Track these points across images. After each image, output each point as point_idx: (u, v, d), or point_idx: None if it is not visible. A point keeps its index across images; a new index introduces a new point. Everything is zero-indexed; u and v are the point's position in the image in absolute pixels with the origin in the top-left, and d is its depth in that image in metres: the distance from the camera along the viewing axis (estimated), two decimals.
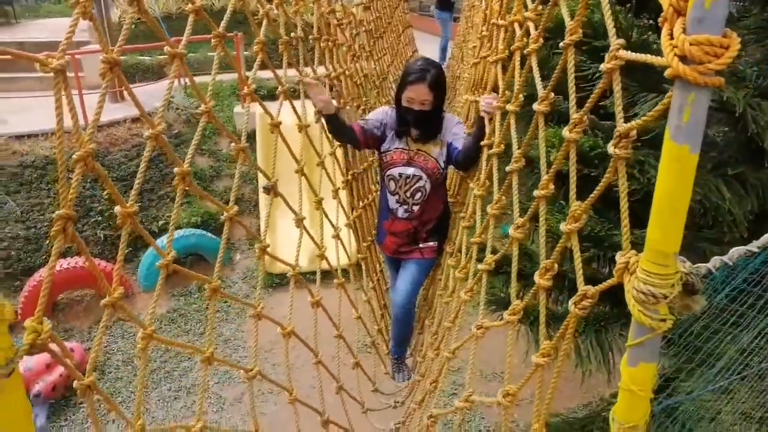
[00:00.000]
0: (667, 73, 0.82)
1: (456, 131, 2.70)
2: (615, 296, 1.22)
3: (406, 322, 3.17)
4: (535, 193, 1.57)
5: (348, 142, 2.95)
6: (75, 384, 1.11)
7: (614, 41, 1.09)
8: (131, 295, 6.11)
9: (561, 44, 1.39)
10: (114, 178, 6.49)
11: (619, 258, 1.03)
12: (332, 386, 2.85)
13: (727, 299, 1.68)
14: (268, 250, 2.19)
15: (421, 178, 2.78)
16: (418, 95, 2.56)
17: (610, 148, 1.09)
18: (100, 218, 6.42)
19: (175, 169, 1.51)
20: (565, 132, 1.33)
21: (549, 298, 2.85)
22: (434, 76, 2.57)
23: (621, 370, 0.93)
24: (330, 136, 2.77)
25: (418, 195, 2.82)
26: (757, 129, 2.30)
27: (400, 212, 2.87)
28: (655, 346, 0.91)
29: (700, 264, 0.89)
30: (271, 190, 2.21)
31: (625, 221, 1.11)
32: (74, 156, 1.00)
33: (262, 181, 6.10)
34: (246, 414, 4.73)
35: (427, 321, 3.30)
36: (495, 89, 2.35)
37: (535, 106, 1.63)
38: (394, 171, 2.80)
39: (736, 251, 1.10)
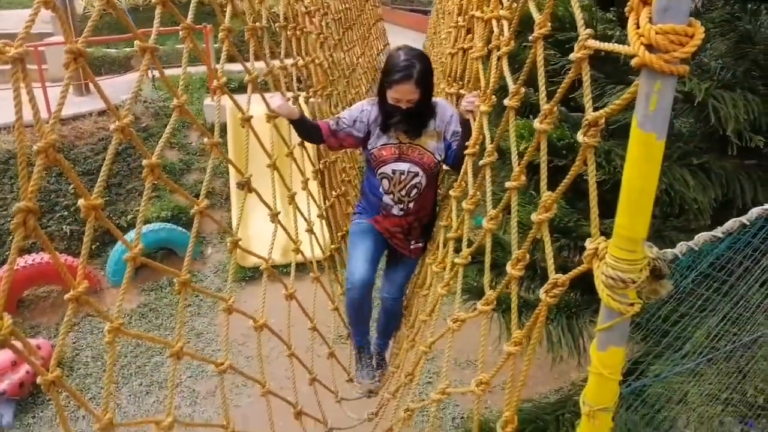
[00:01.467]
0: (633, 62, 0.83)
1: (456, 129, 2.52)
2: (585, 283, 1.24)
3: (395, 312, 3.06)
4: (507, 184, 1.59)
5: (318, 144, 2.80)
6: (39, 380, 1.08)
7: (583, 31, 1.10)
8: (99, 291, 5.99)
9: (530, 38, 1.41)
10: (80, 172, 6.33)
11: (589, 245, 1.05)
12: (306, 378, 2.85)
13: (694, 284, 1.73)
14: (241, 243, 2.17)
15: (417, 174, 2.57)
16: (405, 94, 2.37)
17: (580, 136, 1.10)
18: (65, 213, 6.26)
19: (144, 162, 1.48)
20: (536, 123, 1.34)
21: (521, 287, 2.90)
22: (421, 72, 2.35)
23: (591, 354, 0.95)
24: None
25: (414, 192, 2.62)
26: (719, 119, 2.35)
27: (395, 210, 2.68)
28: (624, 331, 0.93)
29: (666, 249, 0.91)
30: (246, 185, 2.16)
31: (594, 208, 1.12)
32: (35, 147, 0.97)
33: (233, 175, 6.02)
34: (219, 407, 4.69)
35: (405, 313, 3.29)
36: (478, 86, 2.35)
37: (507, 102, 1.65)
38: (386, 168, 2.58)
39: (701, 236, 1.13)
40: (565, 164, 2.40)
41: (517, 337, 1.44)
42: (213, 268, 6.63)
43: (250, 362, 5.08)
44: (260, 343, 2.34)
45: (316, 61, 3.34)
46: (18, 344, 0.99)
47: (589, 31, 1.08)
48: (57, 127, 0.95)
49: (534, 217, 1.37)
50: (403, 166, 2.56)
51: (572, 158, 2.13)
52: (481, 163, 1.83)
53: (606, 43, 1.00)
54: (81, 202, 1.21)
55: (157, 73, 1.67)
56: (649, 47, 0.80)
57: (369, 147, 2.60)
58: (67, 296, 1.18)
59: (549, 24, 1.36)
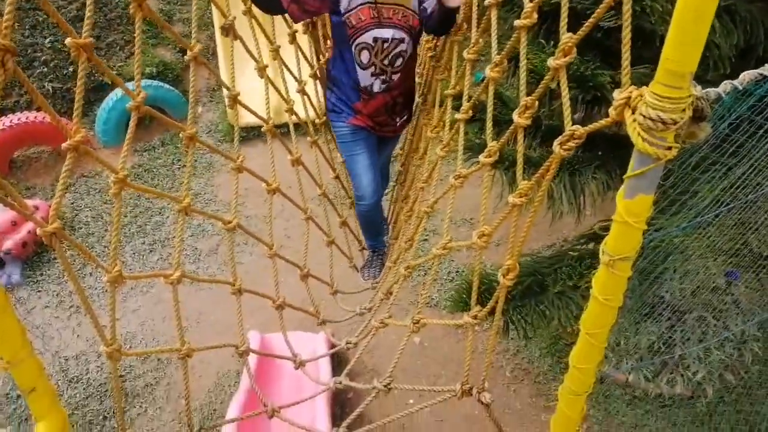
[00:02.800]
0: None
1: None
2: (588, 140, 1.18)
3: (379, 209, 2.89)
4: (516, 22, 1.45)
5: (277, 13, 2.28)
6: (39, 231, 1.07)
7: None
8: (92, 149, 5.89)
9: None
10: (54, 25, 5.94)
11: (618, 94, 0.96)
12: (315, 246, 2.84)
13: (730, 128, 1.66)
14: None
15: (402, 41, 2.28)
16: None
17: None
18: (45, 69, 5.96)
19: None
20: None
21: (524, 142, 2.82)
22: None
23: (617, 202, 0.90)
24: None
25: (399, 61, 2.34)
26: None
27: (376, 86, 2.39)
28: (655, 177, 0.87)
29: (709, 89, 0.83)
30: (229, 30, 2.00)
31: (626, 53, 1.02)
32: None
33: (218, 20, 5.63)
34: (222, 264, 4.84)
35: (401, 193, 3.20)
36: None
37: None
38: (367, 36, 2.24)
39: (747, 75, 1.04)
40: (583, 7, 2.20)
41: (523, 188, 1.40)
42: (205, 128, 6.49)
43: (249, 221, 5.15)
44: (272, 206, 2.32)
45: None
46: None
47: None
48: None
49: (551, 62, 1.27)
50: (386, 33, 2.23)
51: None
52: (486, 1, 1.67)
53: None
54: (69, 41, 1.10)
55: None
56: None
57: (342, 11, 2.20)
58: (64, 145, 1.13)
59: None
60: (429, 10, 2.27)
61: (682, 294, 3.15)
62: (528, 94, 1.46)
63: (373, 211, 2.70)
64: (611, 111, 0.97)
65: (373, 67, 2.33)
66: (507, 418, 3.77)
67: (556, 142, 1.21)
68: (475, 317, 1.62)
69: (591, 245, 2.60)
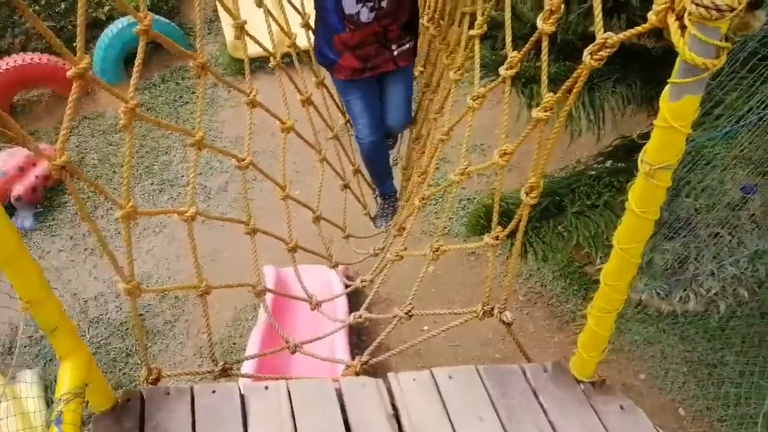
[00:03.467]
0: None
1: None
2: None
3: (386, 153, 2.81)
4: None
5: None
6: (48, 166, 1.03)
7: None
8: (92, 92, 5.77)
9: None
10: None
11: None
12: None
13: None
14: (234, 34, 1.95)
15: None
16: None
17: None
18: (37, 7, 5.75)
19: None
20: None
21: (533, 60, 2.70)
22: None
23: (660, 105, 0.84)
24: None
25: None
26: None
27: (364, 15, 2.13)
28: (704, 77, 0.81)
29: None
30: None
31: None
32: None
33: None
34: (233, 201, 4.81)
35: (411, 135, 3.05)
36: None
37: None
38: None
39: None
40: None
41: (549, 102, 1.33)
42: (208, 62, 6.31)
43: (258, 157, 5.05)
44: (285, 147, 2.25)
45: None
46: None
47: None
48: None
49: None
50: None
51: None
52: None
53: None
54: None
55: None
56: None
57: None
58: (69, 73, 1.08)
59: None
60: None
61: (698, 210, 3.11)
62: None
63: (373, 150, 2.59)
64: (651, 16, 0.89)
65: None
66: (521, 340, 3.80)
67: (586, 52, 1.13)
68: (496, 238, 1.59)
69: (608, 163, 2.53)
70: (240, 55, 5.81)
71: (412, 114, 2.66)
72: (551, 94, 1.30)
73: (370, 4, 2.09)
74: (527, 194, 1.42)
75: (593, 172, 2.45)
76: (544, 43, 1.32)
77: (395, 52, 2.32)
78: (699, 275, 3.50)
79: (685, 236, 3.27)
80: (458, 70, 2.02)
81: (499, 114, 1.56)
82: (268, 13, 2.12)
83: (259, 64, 4.99)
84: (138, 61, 1.34)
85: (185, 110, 5.70)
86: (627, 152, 2.53)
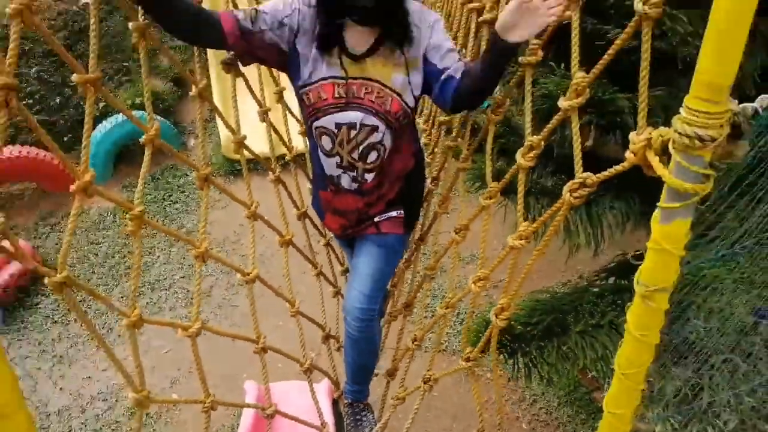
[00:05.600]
0: None
1: (436, 41, 1.65)
2: (604, 167, 1.19)
3: (366, 342, 2.10)
4: (522, 59, 1.49)
5: (215, 47, 1.78)
6: (47, 281, 1.06)
7: None
8: None
9: None
10: (40, 54, 6.04)
11: (636, 137, 0.98)
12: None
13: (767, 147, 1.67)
14: (227, 138, 2.07)
15: (376, 128, 1.72)
16: None
17: (638, 5, 1.00)
18: (30, 101, 6.00)
19: (131, 24, 1.39)
20: None
21: (532, 173, 2.83)
22: None
23: (652, 227, 0.90)
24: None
25: (373, 155, 1.79)
26: None
27: (345, 182, 1.87)
28: (693, 202, 0.88)
29: (746, 104, 0.83)
30: (231, 66, 1.89)
31: (643, 95, 1.03)
32: (9, 8, 0.88)
33: (214, 55, 5.71)
34: (216, 307, 4.80)
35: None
36: None
37: None
38: (327, 121, 1.73)
39: None
40: (593, 29, 2.24)
41: (523, 231, 1.41)
42: (199, 161, 6.53)
43: (244, 260, 5.12)
44: (287, 260, 2.27)
45: None
46: (7, 244, 0.93)
47: None
48: None
49: (562, 102, 1.29)
50: (352, 116, 1.70)
51: (618, 23, 2.00)
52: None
53: None
54: (76, 77, 1.13)
55: None
56: None
57: (300, 81, 1.71)
58: (73, 187, 1.14)
59: None
60: (445, 76, 1.65)
61: (708, 334, 3.11)
62: (535, 126, 1.47)
63: (356, 328, 2.01)
64: (629, 154, 0.98)
65: (338, 158, 1.81)
66: None
67: (565, 189, 1.22)
68: (467, 360, 1.64)
69: (611, 280, 2.59)
70: (233, 156, 6.03)
71: (374, 305, 2.04)
72: (527, 223, 1.39)
73: (351, 174, 1.84)
74: (497, 316, 1.47)
75: (596, 289, 2.49)
76: (521, 176, 1.43)
77: (376, 218, 2.00)
78: (715, 406, 3.43)
79: (695, 362, 3.24)
80: (443, 203, 2.14)
81: (498, 223, 1.65)
82: (270, 126, 2.22)
83: (252, 166, 5.16)
84: (143, 170, 1.44)
85: (173, 209, 5.81)
86: (628, 270, 2.59)
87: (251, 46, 1.65)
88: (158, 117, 6.26)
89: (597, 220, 2.76)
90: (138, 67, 6.43)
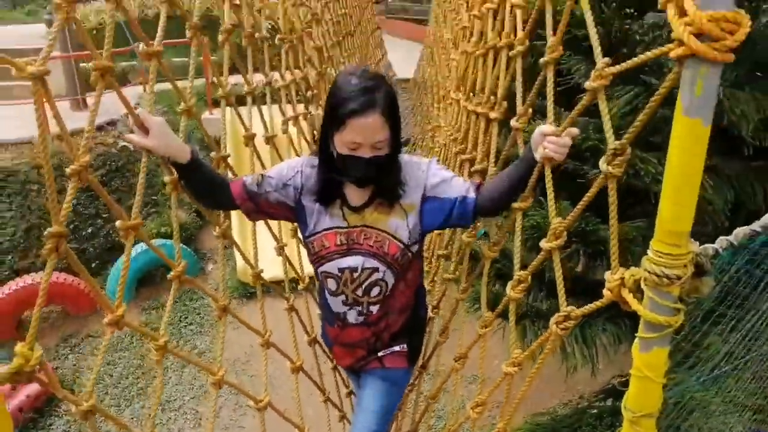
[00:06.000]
0: (678, 51, 0.81)
1: (436, 179, 1.71)
2: (595, 292, 1.23)
3: None
4: (514, 205, 1.58)
5: (226, 209, 1.98)
6: (75, 410, 1.09)
7: (600, 59, 1.08)
8: (101, 311, 5.95)
9: (541, 61, 1.41)
10: (79, 190, 6.29)
11: (610, 276, 1.03)
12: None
13: (731, 282, 1.73)
14: (243, 265, 2.13)
15: (376, 270, 1.78)
16: (369, 134, 1.54)
17: (603, 165, 1.06)
18: None
19: (166, 178, 1.51)
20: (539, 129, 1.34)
21: (527, 297, 2.87)
22: (387, 98, 1.56)
23: (633, 356, 0.94)
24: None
25: (376, 291, 1.82)
26: (733, 118, 2.36)
27: (352, 317, 1.89)
28: (668, 332, 0.92)
29: (707, 245, 0.91)
30: None
31: (614, 240, 1.08)
32: (69, 169, 0.99)
33: None
34: (224, 429, 4.65)
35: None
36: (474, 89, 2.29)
37: (513, 123, 1.65)
38: (331, 267, 1.80)
39: (740, 231, 1.13)
40: (574, 168, 2.38)
41: (516, 357, 1.44)
42: (215, 285, 6.60)
43: (253, 380, 5.04)
44: (297, 386, 2.25)
45: (317, 69, 3.29)
46: (43, 377, 0.98)
47: (606, 60, 1.07)
48: (88, 146, 0.96)
49: (543, 243, 1.35)
50: (353, 261, 1.77)
51: (594, 163, 2.13)
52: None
53: (632, 60, 0.99)
54: (119, 224, 1.23)
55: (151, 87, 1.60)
56: (698, 35, 0.78)
57: (306, 233, 1.81)
58: (106, 320, 1.20)
59: (561, 48, 1.37)
60: (460, 199, 1.69)
61: None
62: (523, 261, 1.54)
63: None
64: (606, 292, 1.04)
65: (343, 296, 1.85)
66: None
67: (552, 321, 1.26)
68: None
69: (609, 401, 2.54)
70: (247, 280, 6.10)
71: (385, 428, 2.01)
72: (519, 351, 1.42)
73: (357, 309, 1.86)
74: None
75: (595, 411, 2.45)
76: (512, 308, 1.49)
77: (380, 353, 1.97)
78: None
79: None
80: (443, 332, 2.16)
81: (497, 342, 1.67)
82: (285, 259, 2.30)
83: (265, 289, 5.22)
84: (169, 303, 1.49)
85: (188, 330, 5.80)
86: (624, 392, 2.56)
87: (258, 206, 1.77)
88: (182, 245, 6.42)
89: (591, 341, 2.77)
90: (165, 200, 6.71)
